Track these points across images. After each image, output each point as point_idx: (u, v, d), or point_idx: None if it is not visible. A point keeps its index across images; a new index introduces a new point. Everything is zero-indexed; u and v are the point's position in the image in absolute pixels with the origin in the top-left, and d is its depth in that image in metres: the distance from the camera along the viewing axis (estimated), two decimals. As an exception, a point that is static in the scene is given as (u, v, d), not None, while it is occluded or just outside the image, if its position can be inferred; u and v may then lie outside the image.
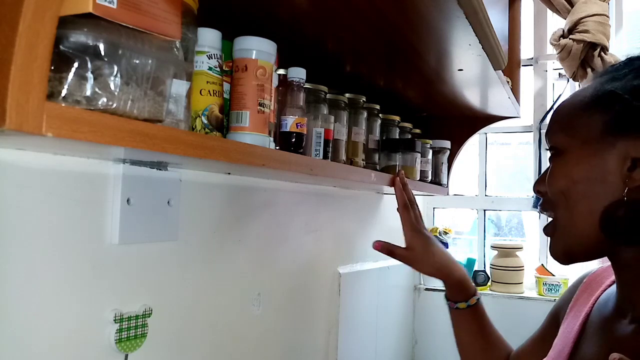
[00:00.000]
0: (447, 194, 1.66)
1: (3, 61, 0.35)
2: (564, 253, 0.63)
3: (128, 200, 0.71)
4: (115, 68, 0.45)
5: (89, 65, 0.44)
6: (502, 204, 1.97)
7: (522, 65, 1.79)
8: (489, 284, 1.83)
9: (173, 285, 0.81)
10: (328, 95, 0.97)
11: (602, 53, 1.60)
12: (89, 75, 0.44)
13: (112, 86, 0.45)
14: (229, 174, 0.92)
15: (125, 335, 0.71)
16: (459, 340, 0.91)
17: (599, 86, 0.62)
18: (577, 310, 0.70)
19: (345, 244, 1.38)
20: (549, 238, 0.65)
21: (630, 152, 0.57)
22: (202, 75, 0.64)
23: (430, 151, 1.45)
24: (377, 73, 1.16)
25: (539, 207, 0.68)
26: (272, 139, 0.75)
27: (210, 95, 0.64)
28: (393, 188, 1.06)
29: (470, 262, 1.88)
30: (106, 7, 0.42)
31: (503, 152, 2.13)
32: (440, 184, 1.54)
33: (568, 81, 1.80)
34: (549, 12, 1.80)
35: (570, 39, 1.60)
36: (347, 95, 1.05)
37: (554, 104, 1.88)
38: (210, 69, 0.64)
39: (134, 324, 0.72)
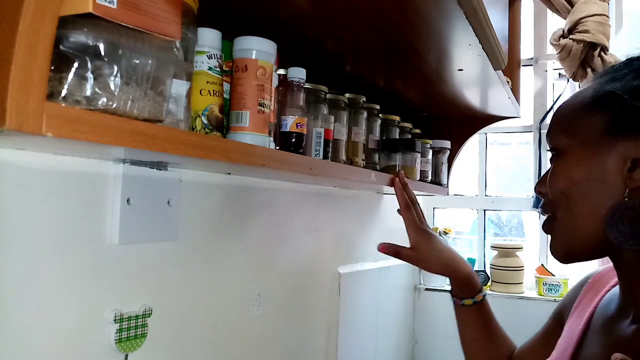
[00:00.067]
0: (447, 194, 1.66)
1: (3, 61, 0.35)
2: (564, 253, 0.63)
3: (128, 200, 0.71)
4: (115, 68, 0.45)
5: (89, 65, 0.44)
6: (502, 204, 1.97)
7: (522, 65, 1.79)
8: (489, 284, 1.83)
9: (173, 285, 0.81)
10: (328, 95, 0.97)
11: (602, 53, 1.60)
12: (89, 75, 0.44)
13: (112, 86, 0.45)
14: (229, 174, 0.92)
15: (125, 335, 0.71)
16: (463, 336, 0.91)
17: (599, 87, 0.62)
18: (581, 310, 0.70)
19: (345, 244, 1.38)
20: (549, 237, 0.66)
21: (630, 153, 0.57)
22: (202, 75, 0.64)
23: (430, 151, 1.45)
24: (377, 73, 1.16)
25: (540, 208, 0.68)
26: (272, 139, 0.75)
27: (210, 95, 0.64)
28: (393, 189, 1.06)
29: (470, 262, 1.89)
30: (106, 7, 0.42)
31: (503, 152, 2.13)
32: (440, 184, 1.54)
33: (568, 81, 1.80)
34: (549, 12, 1.80)
35: (570, 39, 1.60)
36: (347, 95, 1.05)
37: (554, 104, 1.88)
38: (210, 69, 0.64)
39: (134, 324, 0.72)
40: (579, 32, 1.58)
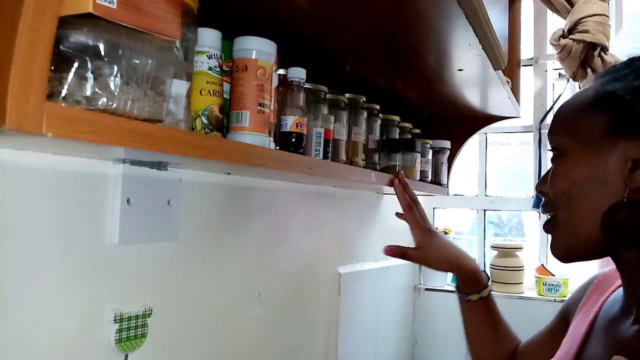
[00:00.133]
0: (447, 194, 1.66)
1: (3, 61, 0.35)
2: (564, 252, 0.64)
3: (128, 200, 0.71)
4: (115, 68, 0.45)
5: (89, 65, 0.44)
6: (502, 204, 1.97)
7: (522, 65, 1.79)
8: (488, 283, 1.83)
9: (173, 285, 0.81)
10: (328, 95, 0.97)
11: (602, 53, 1.60)
12: (89, 75, 0.44)
13: (112, 86, 0.45)
14: (229, 174, 0.92)
15: (125, 335, 0.71)
16: (469, 332, 0.91)
17: (600, 87, 0.62)
18: (586, 310, 0.70)
19: (345, 244, 1.38)
20: (549, 237, 0.66)
21: (631, 153, 0.57)
22: (202, 75, 0.64)
23: (430, 151, 1.45)
24: (377, 73, 1.16)
25: (541, 208, 0.68)
26: (272, 139, 0.75)
27: (210, 95, 0.64)
28: (393, 189, 1.05)
29: (470, 262, 1.88)
30: (106, 7, 0.42)
31: (503, 152, 2.13)
32: (440, 184, 1.54)
33: (568, 81, 1.80)
34: (549, 12, 1.80)
35: (570, 39, 1.60)
36: (347, 95, 1.05)
37: (554, 104, 1.88)
38: (210, 69, 0.64)
39: (134, 324, 0.72)
40: (579, 32, 1.58)
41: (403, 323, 1.79)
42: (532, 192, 1.90)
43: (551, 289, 1.72)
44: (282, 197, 1.09)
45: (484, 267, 1.96)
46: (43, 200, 0.62)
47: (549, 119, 1.88)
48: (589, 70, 1.62)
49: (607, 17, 1.59)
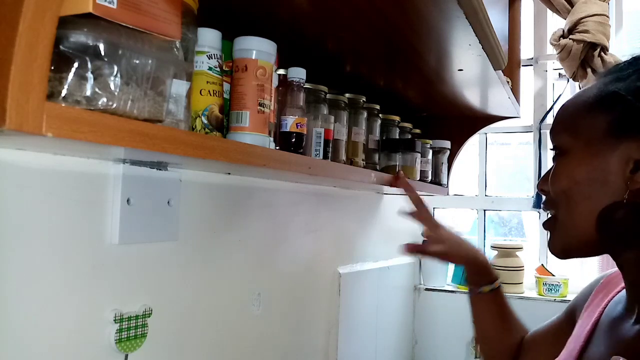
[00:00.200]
0: (447, 194, 1.66)
1: (3, 61, 0.35)
2: (562, 249, 0.64)
3: (128, 200, 0.71)
4: (115, 68, 0.45)
5: (89, 65, 0.44)
6: (502, 204, 1.97)
7: (522, 65, 1.79)
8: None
9: (173, 285, 0.81)
10: (328, 95, 0.97)
11: (602, 53, 1.60)
12: (89, 75, 0.44)
13: (112, 86, 0.45)
14: (229, 174, 0.92)
15: (125, 335, 0.71)
16: (480, 325, 0.92)
17: (603, 86, 0.61)
18: (591, 310, 0.70)
19: (345, 244, 1.38)
20: (548, 233, 0.66)
21: (632, 154, 0.56)
22: (202, 75, 0.64)
23: (430, 151, 1.45)
24: (377, 73, 1.16)
25: (542, 205, 0.68)
26: (272, 139, 0.75)
27: (210, 95, 0.64)
28: (398, 188, 1.05)
29: (470, 262, 1.88)
30: (106, 7, 0.42)
31: (503, 152, 2.13)
32: (440, 184, 1.54)
33: (568, 81, 1.80)
34: (549, 12, 1.80)
35: (570, 39, 1.60)
36: (347, 95, 1.05)
37: (554, 104, 1.88)
38: (210, 69, 0.64)
39: (134, 324, 0.72)
40: (579, 32, 1.59)
41: (403, 323, 1.79)
42: (532, 192, 1.90)
43: (551, 289, 1.72)
44: (282, 197, 1.09)
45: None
46: (43, 200, 0.62)
47: (549, 119, 1.89)
48: (589, 70, 1.62)
49: (607, 17, 1.59)
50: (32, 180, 0.60)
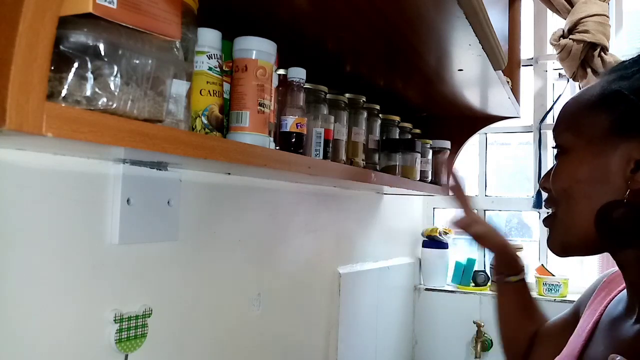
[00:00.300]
0: (447, 194, 1.66)
1: (3, 61, 0.35)
2: (561, 247, 0.64)
3: (128, 200, 0.71)
4: (115, 68, 0.45)
5: (89, 65, 0.44)
6: (502, 204, 1.97)
7: (522, 65, 1.79)
8: (489, 284, 1.83)
9: (173, 285, 0.81)
10: (328, 95, 0.97)
11: (602, 53, 1.60)
12: (89, 75, 0.44)
13: (112, 86, 0.45)
14: (229, 174, 0.92)
15: (125, 336, 0.71)
16: (504, 312, 0.93)
17: (606, 85, 0.61)
18: (593, 309, 0.70)
19: (345, 244, 1.38)
20: (547, 230, 0.66)
21: (634, 154, 0.56)
22: (202, 75, 0.64)
23: (430, 151, 1.44)
24: (377, 73, 1.16)
25: (544, 203, 0.68)
26: (272, 139, 0.75)
27: (210, 95, 0.64)
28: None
29: (470, 262, 1.88)
30: (106, 7, 0.42)
31: (503, 152, 2.12)
32: (440, 184, 1.54)
33: (568, 81, 1.80)
34: (549, 12, 1.80)
35: (570, 39, 1.60)
36: (347, 95, 1.05)
37: (554, 104, 1.88)
38: (210, 69, 0.64)
39: (134, 324, 0.72)
40: (579, 32, 1.58)
41: (403, 323, 1.79)
42: (532, 192, 1.90)
43: (551, 289, 1.72)
44: (282, 197, 1.09)
45: (484, 267, 1.95)
46: (43, 200, 0.62)
47: (549, 119, 1.89)
48: (589, 70, 1.62)
49: (607, 17, 1.59)
50: (32, 180, 0.60)
